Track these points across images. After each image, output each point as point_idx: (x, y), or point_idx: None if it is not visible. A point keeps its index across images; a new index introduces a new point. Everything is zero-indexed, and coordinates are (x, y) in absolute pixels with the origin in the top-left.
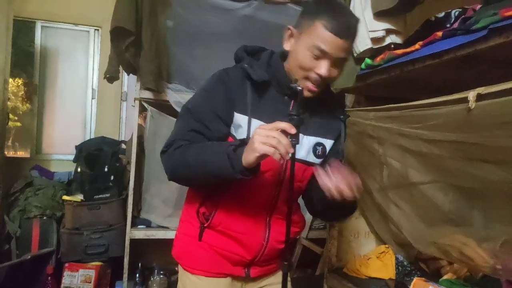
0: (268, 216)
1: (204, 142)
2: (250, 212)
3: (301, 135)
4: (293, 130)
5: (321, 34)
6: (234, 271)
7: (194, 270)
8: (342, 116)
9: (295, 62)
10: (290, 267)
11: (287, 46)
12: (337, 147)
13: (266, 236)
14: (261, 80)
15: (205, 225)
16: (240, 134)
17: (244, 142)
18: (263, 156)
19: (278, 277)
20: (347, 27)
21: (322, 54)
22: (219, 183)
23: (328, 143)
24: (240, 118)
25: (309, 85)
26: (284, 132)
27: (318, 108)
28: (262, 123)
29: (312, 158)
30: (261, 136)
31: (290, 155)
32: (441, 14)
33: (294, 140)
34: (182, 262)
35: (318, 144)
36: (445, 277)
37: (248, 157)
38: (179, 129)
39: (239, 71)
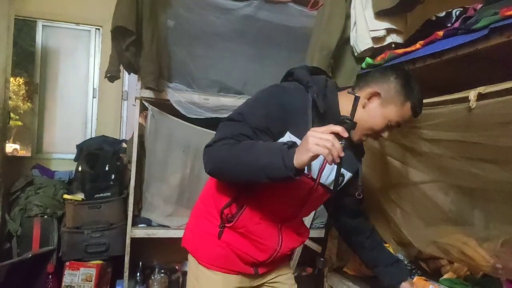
0: (280, 224)
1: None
2: (270, 220)
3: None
4: (345, 134)
5: (407, 114)
6: (244, 269)
7: (210, 265)
8: (363, 156)
9: (367, 124)
10: (325, 263)
11: (364, 102)
12: (354, 181)
13: (279, 242)
14: (324, 112)
15: (228, 226)
16: None
17: (295, 144)
18: (315, 157)
19: (282, 269)
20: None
21: (395, 126)
22: (260, 182)
23: (347, 176)
24: (292, 138)
25: (364, 139)
26: (335, 135)
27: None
28: None
29: (332, 186)
30: (315, 138)
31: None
32: (442, 14)
33: (344, 143)
34: (198, 256)
35: (341, 174)
36: (445, 276)
37: (301, 157)
38: (229, 130)
39: (302, 97)
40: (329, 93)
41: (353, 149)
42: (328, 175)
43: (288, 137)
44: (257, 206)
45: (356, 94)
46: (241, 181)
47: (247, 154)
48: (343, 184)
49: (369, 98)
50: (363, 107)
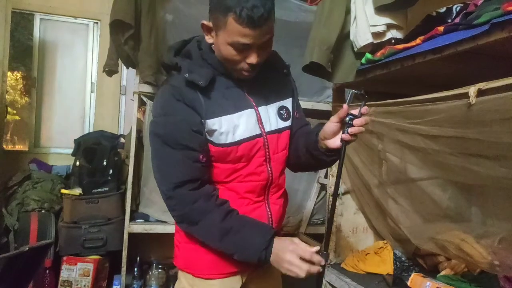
0: (266, 191)
1: (198, 163)
2: (251, 200)
3: (264, 107)
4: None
5: (238, 30)
6: (245, 263)
7: (206, 276)
8: (285, 70)
9: (222, 57)
10: (327, 257)
11: (209, 40)
12: (296, 101)
13: (268, 212)
14: (208, 81)
15: None
16: (216, 137)
17: (274, 234)
18: None
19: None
20: (259, 14)
21: (246, 47)
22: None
23: (289, 103)
24: (211, 123)
25: (244, 73)
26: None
27: (266, 74)
28: (230, 115)
29: (281, 124)
30: (294, 266)
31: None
32: (443, 9)
33: (325, 252)
34: (192, 271)
35: (281, 108)
36: (442, 273)
37: (276, 263)
38: (170, 168)
39: (183, 81)
40: (206, 55)
41: (274, 74)
42: (269, 121)
43: (209, 124)
44: (227, 195)
45: (357, 91)
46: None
47: (224, 243)
48: (291, 112)
49: (207, 34)
50: (212, 43)
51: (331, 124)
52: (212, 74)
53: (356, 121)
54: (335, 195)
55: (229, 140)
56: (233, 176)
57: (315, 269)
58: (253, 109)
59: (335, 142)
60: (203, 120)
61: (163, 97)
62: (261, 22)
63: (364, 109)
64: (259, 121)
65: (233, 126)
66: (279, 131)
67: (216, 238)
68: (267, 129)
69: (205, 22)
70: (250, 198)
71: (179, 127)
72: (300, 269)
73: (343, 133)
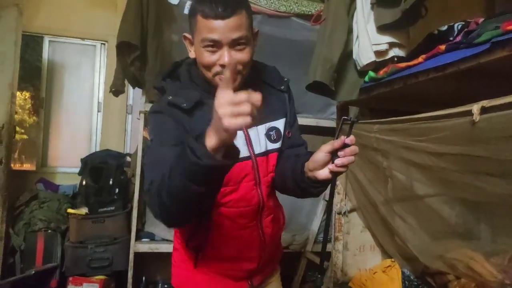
0: (259, 215)
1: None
2: (242, 225)
3: (255, 128)
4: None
5: (203, 25)
6: (238, 286)
7: None
8: (282, 87)
9: (200, 65)
10: (322, 280)
11: (192, 54)
12: (290, 121)
13: (262, 238)
14: (193, 104)
15: (200, 254)
16: None
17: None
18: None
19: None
20: (224, 5)
21: (214, 44)
22: (207, 191)
23: (280, 123)
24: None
25: (234, 77)
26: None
27: (260, 92)
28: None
29: (270, 146)
30: (226, 110)
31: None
32: (444, 28)
33: (319, 276)
34: None
35: (271, 129)
36: None
37: (219, 138)
38: (156, 162)
39: (167, 103)
40: (194, 77)
41: (267, 92)
42: (259, 142)
43: None
44: (219, 224)
45: (352, 119)
46: (191, 210)
47: (171, 178)
48: (283, 133)
49: (190, 48)
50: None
51: (323, 154)
52: (200, 97)
53: (347, 150)
54: (327, 226)
55: None
56: (224, 200)
57: (242, 108)
58: (241, 131)
59: (324, 173)
60: None
61: (154, 122)
62: (227, 13)
63: (350, 138)
64: (248, 143)
65: None
66: (267, 153)
67: (174, 183)
68: (257, 151)
69: (186, 34)
70: (241, 223)
71: (168, 130)
72: (226, 117)
73: (332, 163)
